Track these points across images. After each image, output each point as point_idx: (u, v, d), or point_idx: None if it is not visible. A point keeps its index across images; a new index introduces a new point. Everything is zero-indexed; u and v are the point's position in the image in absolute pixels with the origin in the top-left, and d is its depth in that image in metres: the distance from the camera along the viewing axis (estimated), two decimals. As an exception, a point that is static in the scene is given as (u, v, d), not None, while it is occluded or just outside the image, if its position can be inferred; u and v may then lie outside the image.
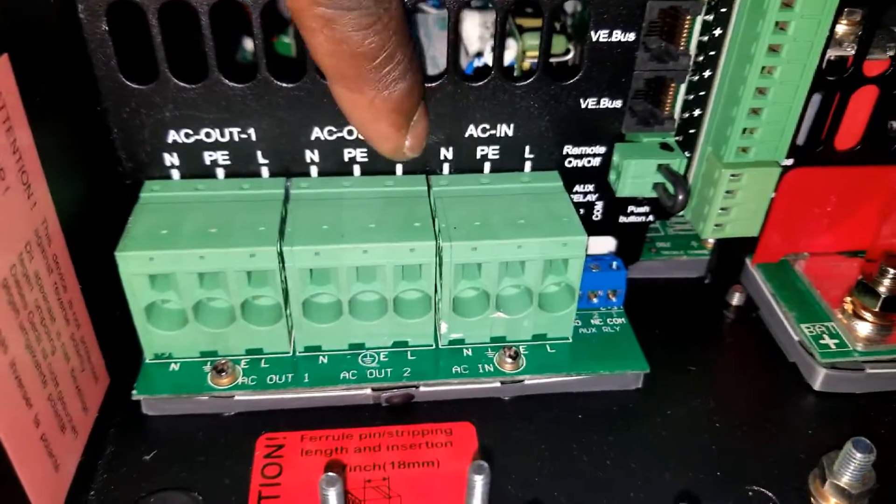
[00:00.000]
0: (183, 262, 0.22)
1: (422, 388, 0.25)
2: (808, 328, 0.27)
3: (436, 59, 0.27)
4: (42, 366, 0.19)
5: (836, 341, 0.27)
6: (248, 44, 0.27)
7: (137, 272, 0.22)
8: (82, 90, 0.23)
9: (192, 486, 0.22)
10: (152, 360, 0.24)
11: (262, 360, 0.25)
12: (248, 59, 0.27)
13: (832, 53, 0.26)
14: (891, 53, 0.26)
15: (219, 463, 0.23)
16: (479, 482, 0.17)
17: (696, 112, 0.27)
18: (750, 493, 0.23)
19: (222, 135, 0.24)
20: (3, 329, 0.17)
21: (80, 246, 0.22)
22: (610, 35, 0.24)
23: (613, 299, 0.28)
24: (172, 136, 0.24)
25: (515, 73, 0.27)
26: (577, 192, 0.28)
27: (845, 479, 0.22)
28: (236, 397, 0.24)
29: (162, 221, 0.23)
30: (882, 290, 0.27)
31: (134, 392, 0.24)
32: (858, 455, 0.22)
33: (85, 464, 0.22)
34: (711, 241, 0.31)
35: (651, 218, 0.29)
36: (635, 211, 0.28)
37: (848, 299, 0.28)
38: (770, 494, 0.23)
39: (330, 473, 0.17)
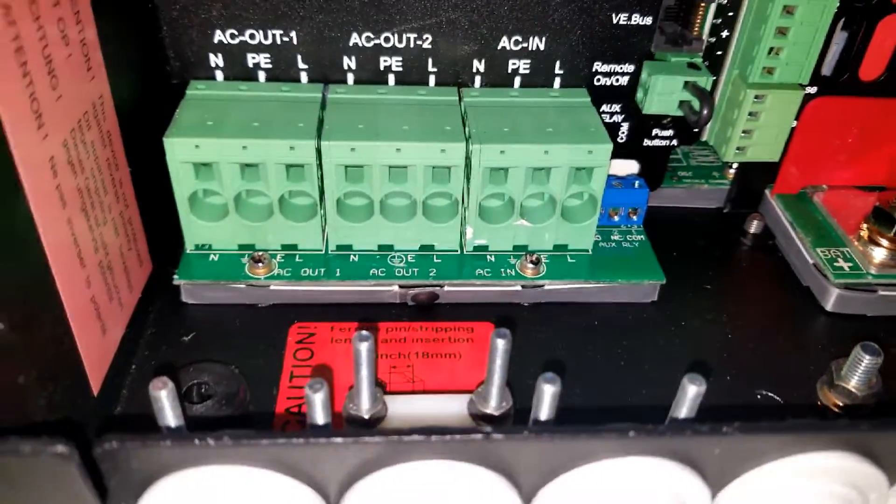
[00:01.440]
0: (227, 152, 0.23)
1: (446, 288, 0.26)
2: (824, 252, 0.28)
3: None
4: (95, 232, 0.20)
5: (851, 264, 0.28)
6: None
7: (184, 159, 0.23)
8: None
9: (230, 363, 0.23)
10: (193, 250, 0.26)
11: (297, 256, 0.26)
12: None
13: (861, -18, 0.26)
14: (921, -18, 0.26)
15: (254, 346, 0.24)
16: (501, 345, 0.18)
17: (724, 34, 0.27)
18: (759, 397, 0.24)
19: (265, 37, 0.25)
20: (65, 188, 0.19)
21: (131, 132, 0.23)
22: (644, -52, 0.25)
23: (634, 218, 0.29)
24: (218, 36, 0.25)
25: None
26: (603, 113, 0.28)
27: (853, 382, 0.23)
28: (272, 287, 0.25)
29: (207, 115, 0.24)
30: (899, 216, 0.27)
31: (175, 277, 0.25)
32: (867, 357, 0.22)
33: (127, 339, 0.23)
34: (732, 171, 0.32)
35: (675, 142, 0.29)
36: (660, 134, 0.29)
37: (864, 226, 0.28)
38: (778, 398, 0.24)
39: (363, 331, 0.18)
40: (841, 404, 0.23)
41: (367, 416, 0.19)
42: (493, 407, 0.19)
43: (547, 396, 0.17)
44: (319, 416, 0.16)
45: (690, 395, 0.17)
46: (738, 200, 0.32)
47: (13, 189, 0.16)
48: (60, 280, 0.18)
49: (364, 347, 0.18)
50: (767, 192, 0.32)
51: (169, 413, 0.16)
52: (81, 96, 0.20)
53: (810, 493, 0.17)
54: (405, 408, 0.19)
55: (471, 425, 0.20)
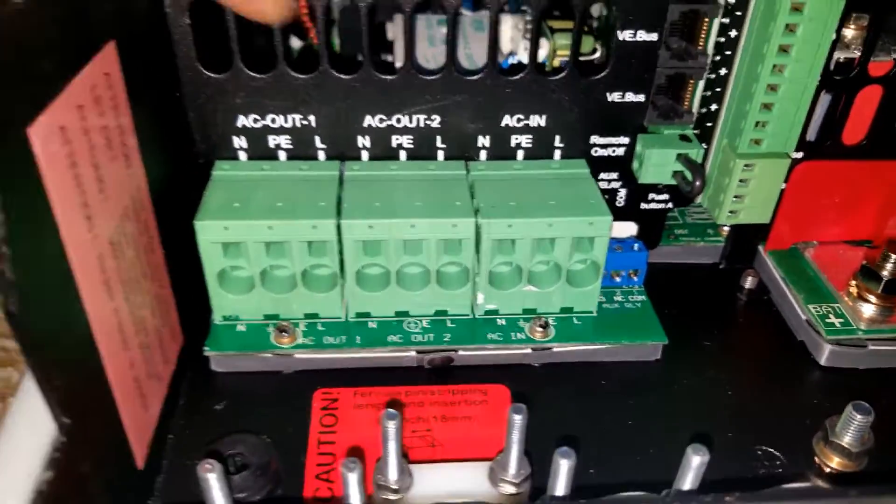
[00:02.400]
0: (253, 232, 0.25)
1: (460, 353, 0.27)
2: (816, 308, 0.30)
3: (471, 58, 0.30)
4: (135, 315, 0.22)
5: (842, 320, 0.29)
6: (296, 42, 0.30)
7: (213, 240, 0.25)
8: (166, 77, 0.26)
9: (259, 431, 0.24)
10: (221, 321, 0.27)
11: (319, 324, 0.27)
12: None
13: (840, 55, 0.28)
14: (894, 55, 0.28)
15: (281, 413, 0.25)
16: (518, 421, 0.20)
17: (713, 107, 0.29)
18: (759, 453, 0.25)
19: (286, 121, 0.27)
20: (111, 280, 0.20)
21: (162, 214, 0.25)
22: (635, 35, 0.27)
23: (635, 278, 0.30)
24: (242, 120, 0.27)
25: (547, 70, 0.30)
26: (602, 180, 0.30)
27: (846, 439, 0.24)
28: (296, 356, 0.27)
29: (234, 196, 0.26)
30: (884, 273, 0.29)
31: (205, 349, 0.26)
32: (858, 417, 0.24)
33: (164, 410, 0.24)
34: (726, 229, 0.34)
35: (670, 205, 0.31)
36: (656, 198, 0.31)
37: (853, 283, 0.30)
38: (777, 453, 0.25)
39: (390, 409, 0.19)
40: (836, 463, 0.24)
41: (395, 487, 0.20)
42: (511, 475, 0.21)
43: (563, 470, 0.18)
44: (355, 496, 0.17)
45: (694, 464, 0.19)
46: (732, 257, 0.34)
47: (73, 293, 0.18)
48: (110, 368, 0.20)
49: (392, 426, 0.19)
50: (761, 248, 0.33)
51: (217, 493, 0.17)
52: (123, 192, 0.21)
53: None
54: (430, 477, 0.21)
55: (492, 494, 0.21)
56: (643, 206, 0.31)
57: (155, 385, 0.23)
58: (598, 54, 0.30)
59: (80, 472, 0.17)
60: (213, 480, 0.17)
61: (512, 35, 0.30)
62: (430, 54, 0.30)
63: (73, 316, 0.18)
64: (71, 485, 0.17)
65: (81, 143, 0.18)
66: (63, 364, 0.17)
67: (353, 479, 0.17)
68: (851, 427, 0.24)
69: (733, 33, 0.28)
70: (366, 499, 0.18)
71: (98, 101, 0.20)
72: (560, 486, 0.18)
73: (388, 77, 0.27)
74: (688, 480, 0.19)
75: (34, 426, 0.19)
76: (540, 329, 0.28)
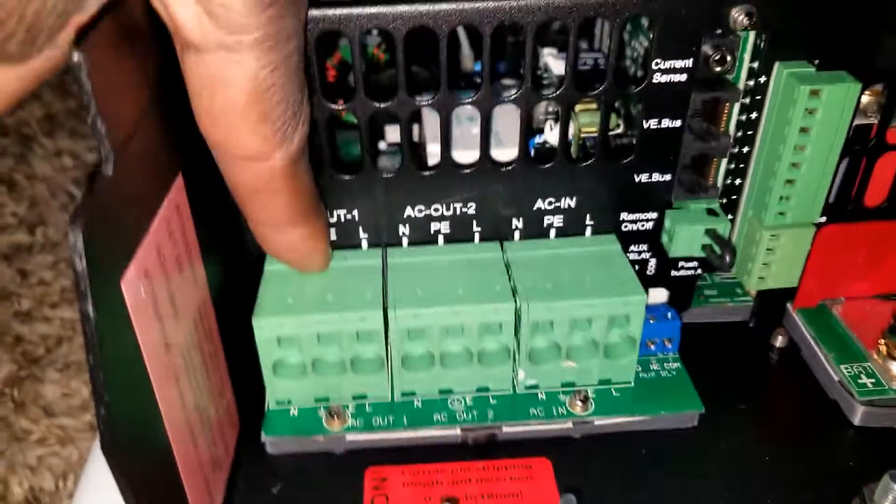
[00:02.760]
0: (307, 326, 0.27)
1: (503, 429, 0.29)
2: (847, 368, 0.31)
3: (498, 135, 0.32)
4: (203, 416, 0.24)
5: (873, 380, 0.30)
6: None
7: (270, 336, 0.27)
8: (220, 185, 0.27)
9: (318, 516, 0.26)
10: (275, 407, 0.29)
11: (367, 405, 0.29)
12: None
13: (857, 122, 0.29)
14: (911, 122, 0.29)
15: (335, 493, 0.27)
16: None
17: (737, 181, 0.31)
18: (800, 522, 0.26)
19: (331, 216, 0.29)
20: (184, 389, 0.22)
21: (220, 311, 0.26)
22: (659, 123, 0.28)
23: (669, 346, 0.31)
24: (290, 217, 0.29)
25: (572, 148, 0.31)
26: (632, 252, 0.31)
27: (885, 509, 0.25)
28: (347, 438, 0.28)
29: (286, 291, 0.27)
30: (913, 333, 0.30)
31: (262, 434, 0.28)
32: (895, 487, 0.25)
33: (226, 498, 0.26)
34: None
35: (699, 271, 0.32)
36: (685, 266, 0.32)
37: (882, 341, 0.31)
38: (818, 523, 0.26)
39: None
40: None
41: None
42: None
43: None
44: None
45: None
46: (761, 315, 0.34)
47: (154, 408, 0.19)
48: (183, 470, 0.21)
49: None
50: (789, 305, 0.34)
51: None
52: (191, 307, 0.23)
53: None
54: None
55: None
56: (673, 273, 0.32)
57: (218, 476, 0.25)
58: (620, 128, 0.31)
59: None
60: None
61: (534, 116, 0.32)
62: (458, 132, 0.32)
63: (153, 430, 0.20)
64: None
65: (160, 280, 0.20)
66: (147, 476, 0.19)
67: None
68: (889, 497, 0.25)
69: (754, 115, 0.29)
70: None
71: (171, 235, 0.21)
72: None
73: (427, 173, 0.28)
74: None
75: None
76: (580, 403, 0.29)
